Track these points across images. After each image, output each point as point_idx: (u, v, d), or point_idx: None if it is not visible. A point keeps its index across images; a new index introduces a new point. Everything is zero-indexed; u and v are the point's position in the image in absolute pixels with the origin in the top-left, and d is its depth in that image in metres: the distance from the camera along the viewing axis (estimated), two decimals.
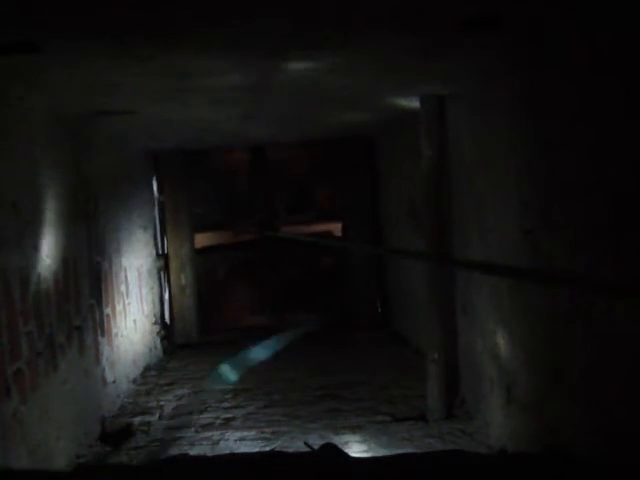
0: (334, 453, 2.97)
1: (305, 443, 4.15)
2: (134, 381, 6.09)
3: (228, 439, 4.66)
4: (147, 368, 6.62)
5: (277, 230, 8.53)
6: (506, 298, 3.85)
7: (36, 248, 3.91)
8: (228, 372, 5.75)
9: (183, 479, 2.79)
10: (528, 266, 3.44)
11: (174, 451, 4.37)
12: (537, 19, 2.88)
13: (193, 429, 4.89)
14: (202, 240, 8.53)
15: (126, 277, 6.11)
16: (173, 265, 7.93)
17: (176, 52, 3.17)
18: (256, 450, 4.31)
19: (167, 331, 7.66)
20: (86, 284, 4.86)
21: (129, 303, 6.17)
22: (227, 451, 4.35)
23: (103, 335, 5.21)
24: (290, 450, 4.08)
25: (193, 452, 4.32)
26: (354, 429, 4.69)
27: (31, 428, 3.61)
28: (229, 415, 5.15)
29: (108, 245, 5.53)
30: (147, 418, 5.18)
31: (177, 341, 7.81)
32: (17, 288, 3.59)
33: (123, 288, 6.00)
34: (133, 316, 6.28)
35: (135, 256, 6.50)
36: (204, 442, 4.62)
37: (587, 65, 2.72)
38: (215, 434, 4.76)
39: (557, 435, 3.15)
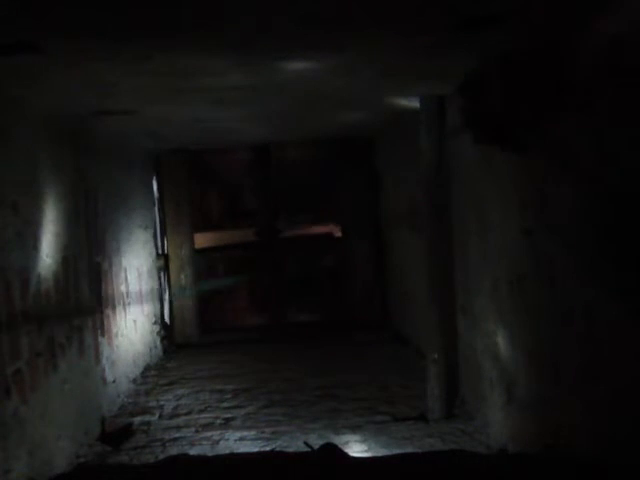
0: (334, 453, 2.97)
1: (305, 443, 4.15)
2: (134, 381, 6.09)
3: (228, 439, 4.66)
4: (147, 368, 6.62)
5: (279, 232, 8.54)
6: (506, 298, 3.85)
7: (36, 248, 3.91)
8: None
9: (183, 479, 2.80)
10: (528, 266, 3.44)
11: (174, 451, 4.37)
12: (537, 19, 2.88)
13: (193, 429, 4.89)
14: (202, 240, 8.53)
15: (126, 277, 6.11)
16: (173, 265, 7.93)
17: (176, 52, 3.17)
18: (256, 450, 4.31)
19: (167, 331, 7.66)
20: (86, 284, 4.86)
21: (129, 303, 6.17)
22: (227, 451, 4.35)
23: (103, 335, 5.21)
24: (290, 450, 4.08)
25: (193, 452, 4.32)
26: (354, 429, 4.69)
27: (31, 428, 3.61)
28: (229, 415, 5.15)
29: (108, 245, 5.53)
30: (147, 418, 5.18)
31: (177, 341, 7.81)
32: (17, 288, 3.59)
33: (123, 288, 6.00)
34: (133, 316, 6.28)
35: (135, 256, 6.50)
36: (204, 442, 4.62)
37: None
38: (215, 434, 4.76)
39: (557, 435, 3.15)
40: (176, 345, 7.71)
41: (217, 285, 8.36)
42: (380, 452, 4.14)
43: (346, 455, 3.00)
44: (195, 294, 8.02)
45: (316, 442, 4.08)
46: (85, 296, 4.82)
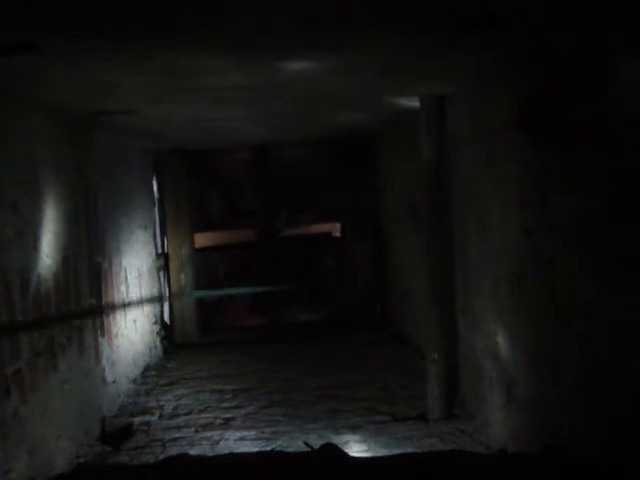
0: (334, 453, 2.97)
1: (305, 443, 4.15)
2: (134, 381, 6.09)
3: (228, 439, 4.66)
4: (147, 368, 6.62)
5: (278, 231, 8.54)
6: (506, 298, 3.85)
7: (36, 248, 3.91)
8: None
9: (183, 479, 2.80)
10: (528, 266, 3.44)
11: (174, 451, 4.37)
12: (537, 19, 2.88)
13: (193, 429, 4.89)
14: (202, 240, 8.53)
15: (126, 277, 6.11)
16: (173, 265, 7.93)
17: (176, 52, 3.17)
18: (256, 450, 4.31)
19: (167, 331, 7.66)
20: (86, 284, 4.86)
21: (129, 303, 6.17)
22: (227, 451, 4.35)
23: (103, 335, 5.21)
24: (290, 450, 4.08)
25: (193, 452, 4.32)
26: (354, 429, 4.69)
27: (31, 428, 3.61)
28: (229, 415, 5.15)
29: (108, 245, 5.53)
30: (147, 418, 5.18)
31: (177, 341, 7.81)
32: (17, 288, 3.59)
33: (123, 288, 6.00)
34: (133, 316, 6.28)
35: (135, 256, 6.50)
36: (204, 442, 4.62)
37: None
38: (215, 434, 4.76)
39: (557, 435, 3.15)
40: (176, 345, 7.71)
41: (219, 294, 8.40)
42: (380, 452, 4.14)
43: (346, 455, 3.00)
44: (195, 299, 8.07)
45: (316, 442, 4.08)
46: (85, 296, 4.82)
